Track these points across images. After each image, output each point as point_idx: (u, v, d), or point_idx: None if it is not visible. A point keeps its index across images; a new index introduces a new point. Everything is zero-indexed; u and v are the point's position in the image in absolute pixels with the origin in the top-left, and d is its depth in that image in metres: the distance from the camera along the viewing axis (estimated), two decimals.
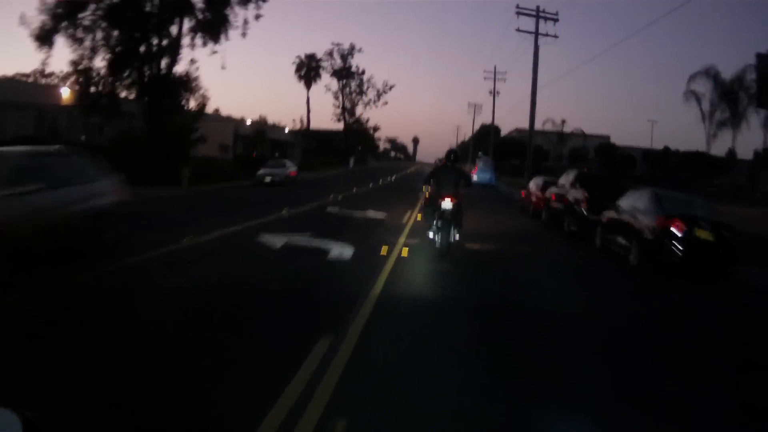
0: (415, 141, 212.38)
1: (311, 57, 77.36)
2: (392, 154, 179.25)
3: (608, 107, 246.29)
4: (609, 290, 10.04)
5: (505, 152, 76.65)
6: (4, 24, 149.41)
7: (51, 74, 60.84)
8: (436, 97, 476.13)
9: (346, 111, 79.49)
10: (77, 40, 31.83)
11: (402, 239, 12.96)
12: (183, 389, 4.33)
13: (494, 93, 69.36)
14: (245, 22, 33.59)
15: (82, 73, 32.61)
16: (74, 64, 32.20)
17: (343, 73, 78.21)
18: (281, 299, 7.20)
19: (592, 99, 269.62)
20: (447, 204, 10.74)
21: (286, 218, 16.16)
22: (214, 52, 33.54)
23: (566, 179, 18.33)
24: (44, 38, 32.39)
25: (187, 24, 33.18)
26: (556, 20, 37.97)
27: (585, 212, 15.68)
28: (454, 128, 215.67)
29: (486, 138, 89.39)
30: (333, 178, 45.40)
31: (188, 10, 32.34)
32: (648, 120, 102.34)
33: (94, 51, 32.59)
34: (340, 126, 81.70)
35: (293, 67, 76.93)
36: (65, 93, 41.35)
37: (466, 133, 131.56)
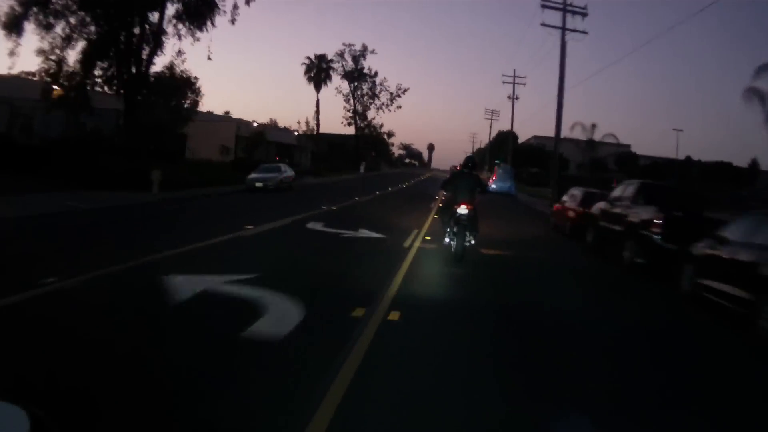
0: (430, 148, 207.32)
1: (321, 58, 73.25)
2: (406, 160, 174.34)
3: (628, 114, 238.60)
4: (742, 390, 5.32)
5: (523, 160, 71.99)
6: None
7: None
8: (452, 104, 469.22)
9: (358, 115, 75.12)
10: (47, 27, 27.82)
11: (396, 284, 8.32)
12: None
13: (513, 97, 64.66)
14: (234, 6, 29.39)
15: (52, 64, 28.53)
16: (43, 53, 28.13)
17: (355, 75, 73.92)
18: None
19: (611, 105, 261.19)
20: (463, 210, 10.66)
21: (244, 240, 11.68)
22: (197, 40, 29.36)
23: (623, 192, 13.67)
24: (12, 25, 28.40)
25: (171, 9, 29.07)
26: (585, 14, 33.35)
27: (659, 239, 11.00)
28: (469, 135, 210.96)
29: (502, 145, 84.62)
30: (338, 184, 40.96)
31: None
32: (673, 129, 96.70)
33: (68, 41, 28.57)
34: (352, 130, 77.33)
35: (303, 69, 73.04)
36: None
37: (482, 140, 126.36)
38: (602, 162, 64.33)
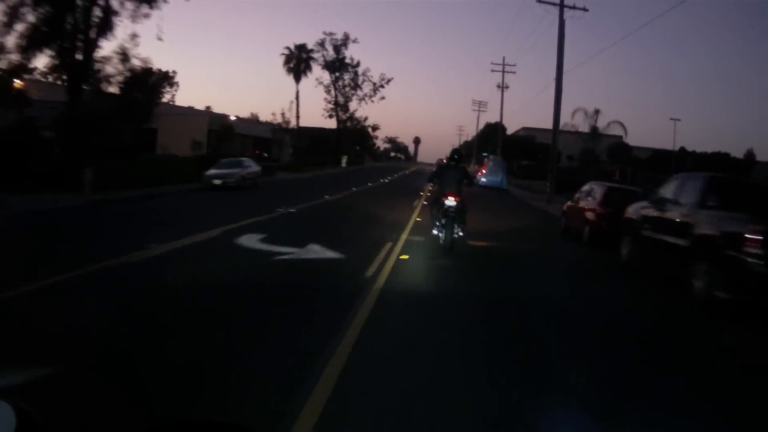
0: (416, 141, 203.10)
1: (301, 48, 68.54)
2: (392, 154, 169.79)
3: (620, 104, 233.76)
4: None
5: (513, 152, 68.05)
6: None
7: None
8: (439, 97, 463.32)
9: (339, 106, 70.52)
10: None
11: (336, 367, 4.18)
12: None
13: (503, 86, 60.65)
14: None
15: None
16: None
17: (336, 65, 69.30)
18: None
19: (602, 95, 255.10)
20: (451, 202, 10.52)
21: (107, 275, 7.44)
22: (146, 16, 24.85)
23: (676, 189, 9.59)
24: None
25: None
26: None
27: (760, 264, 6.95)
28: (456, 128, 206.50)
29: (490, 138, 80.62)
30: (314, 180, 36.65)
31: None
32: (671, 119, 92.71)
33: (8, 26, 24.04)
34: (334, 123, 72.86)
35: (282, 59, 68.38)
36: None
37: (469, 133, 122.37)
38: (593, 153, 60.24)
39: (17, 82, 28.53)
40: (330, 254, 9.29)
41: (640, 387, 4.71)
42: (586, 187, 15.39)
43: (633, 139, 77.08)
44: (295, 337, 5.14)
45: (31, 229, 11.73)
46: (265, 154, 60.91)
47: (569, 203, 16.03)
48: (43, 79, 28.18)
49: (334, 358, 4.47)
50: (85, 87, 27.66)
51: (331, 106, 69.82)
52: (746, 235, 7.18)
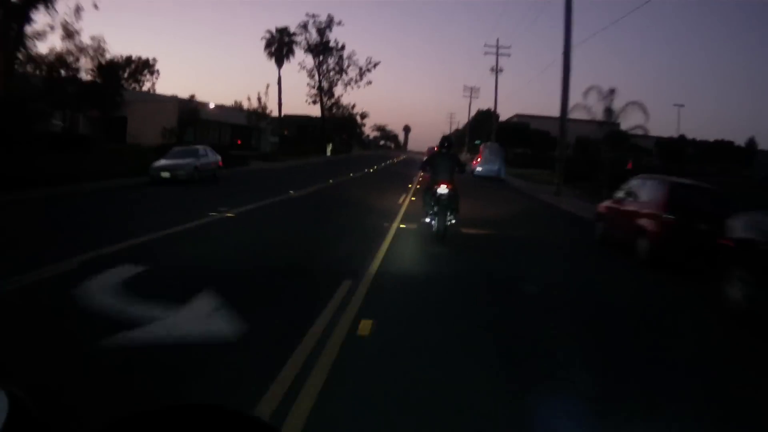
0: (407, 129, 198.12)
1: (283, 31, 63.46)
2: (381, 142, 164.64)
3: (621, 89, 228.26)
4: None
5: (507, 139, 63.57)
6: None
7: None
8: (429, 84, 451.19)
9: (323, 92, 65.67)
10: None
11: None
12: None
13: (497, 69, 56.33)
14: None
15: None
16: None
17: (320, 49, 64.37)
18: None
19: (597, 80, 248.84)
20: (443, 189, 10.28)
21: None
22: None
23: None
24: None
25: None
26: None
27: None
28: (447, 116, 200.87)
29: (483, 125, 76.24)
30: (288, 171, 32.09)
31: None
32: (674, 105, 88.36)
33: None
34: (318, 110, 68.03)
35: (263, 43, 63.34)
36: None
37: (461, 121, 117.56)
38: (589, 141, 55.73)
39: None
40: (219, 329, 4.81)
41: None
42: (634, 182, 11.01)
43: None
44: None
45: None
46: (238, 142, 56.22)
47: (609, 203, 11.64)
48: None
49: None
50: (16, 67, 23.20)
51: (314, 91, 65.00)
52: None
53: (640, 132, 27.25)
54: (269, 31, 63.07)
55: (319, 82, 64.87)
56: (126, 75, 72.08)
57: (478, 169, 36.87)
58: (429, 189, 10.83)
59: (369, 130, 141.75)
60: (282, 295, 6.18)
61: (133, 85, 69.28)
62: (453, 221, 10.59)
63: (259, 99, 45.95)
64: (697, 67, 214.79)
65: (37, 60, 26.54)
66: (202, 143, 31.95)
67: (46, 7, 22.45)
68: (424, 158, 13.26)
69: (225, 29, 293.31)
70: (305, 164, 41.33)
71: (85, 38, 27.57)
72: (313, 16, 64.43)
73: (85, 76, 34.96)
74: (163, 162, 21.45)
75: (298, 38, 63.48)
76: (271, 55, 63.21)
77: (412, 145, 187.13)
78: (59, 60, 28.89)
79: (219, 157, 23.95)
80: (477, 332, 5.35)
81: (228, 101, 70.09)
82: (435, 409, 3.65)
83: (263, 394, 3.60)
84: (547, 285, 7.64)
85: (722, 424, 3.86)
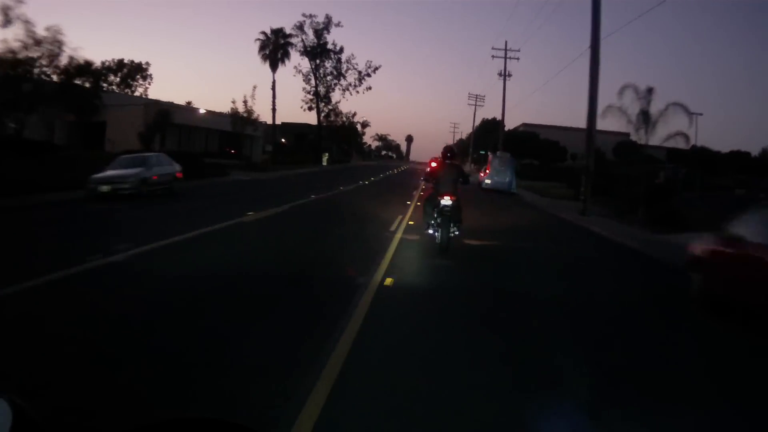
0: (409, 139, 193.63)
1: (278, 32, 59.53)
2: (383, 152, 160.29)
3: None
4: None
5: (514, 150, 59.37)
6: None
7: None
8: (432, 94, 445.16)
9: (320, 97, 61.56)
10: None
11: None
12: None
13: (504, 74, 52.16)
14: None
15: None
16: None
17: (317, 51, 60.35)
18: None
19: (606, 86, 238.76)
20: (446, 201, 10.06)
21: None
22: None
23: None
24: None
25: None
26: None
27: None
28: (450, 126, 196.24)
29: (489, 134, 71.90)
30: (268, 184, 27.80)
31: None
32: (691, 113, 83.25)
33: None
34: (314, 117, 63.89)
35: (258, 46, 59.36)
36: None
37: (464, 131, 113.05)
38: (600, 152, 51.01)
39: None
40: None
41: None
42: (755, 216, 6.74)
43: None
44: None
45: None
46: (232, 151, 52.14)
47: (713, 244, 7.26)
48: None
49: None
50: None
51: (310, 96, 60.85)
52: None
53: (680, 140, 22.78)
54: (264, 33, 59.18)
55: (316, 86, 60.77)
56: (118, 79, 68.52)
57: (487, 181, 32.69)
58: (430, 199, 10.67)
59: (370, 140, 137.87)
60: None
61: (125, 90, 65.59)
62: (456, 233, 10.41)
63: (245, 102, 41.72)
64: (706, 76, 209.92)
65: None
66: (175, 150, 27.85)
67: None
68: (427, 169, 12.86)
69: (224, 33, 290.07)
70: (293, 175, 37.11)
71: (51, 31, 23.27)
72: (311, 16, 60.55)
73: (54, 76, 30.76)
74: (106, 173, 17.30)
75: (294, 40, 59.61)
76: (265, 58, 59.25)
77: (414, 156, 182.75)
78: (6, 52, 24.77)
79: (178, 167, 19.68)
80: None
81: (225, 107, 66.07)
82: None
83: None
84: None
85: None
